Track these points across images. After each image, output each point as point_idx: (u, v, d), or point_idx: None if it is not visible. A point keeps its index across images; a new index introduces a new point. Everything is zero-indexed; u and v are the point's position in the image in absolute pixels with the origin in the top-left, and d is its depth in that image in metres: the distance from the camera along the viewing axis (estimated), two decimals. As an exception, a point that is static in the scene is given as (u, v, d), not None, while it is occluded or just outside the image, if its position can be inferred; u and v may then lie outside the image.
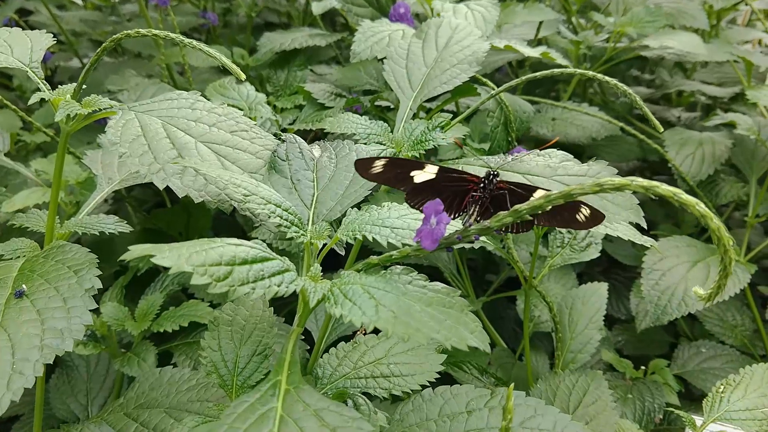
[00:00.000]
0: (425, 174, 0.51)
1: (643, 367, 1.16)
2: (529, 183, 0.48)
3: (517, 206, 0.43)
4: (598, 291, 0.99)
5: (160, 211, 1.13)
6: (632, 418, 1.05)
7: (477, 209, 0.48)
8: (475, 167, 0.73)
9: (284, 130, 1.03)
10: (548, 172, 0.71)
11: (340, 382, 0.62)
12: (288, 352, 0.47)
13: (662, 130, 0.81)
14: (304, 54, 1.27)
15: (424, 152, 0.79)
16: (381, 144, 0.80)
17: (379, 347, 0.65)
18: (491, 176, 0.48)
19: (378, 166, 0.51)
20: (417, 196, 0.51)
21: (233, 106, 1.02)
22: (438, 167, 0.51)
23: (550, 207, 0.47)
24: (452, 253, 1.15)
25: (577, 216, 0.49)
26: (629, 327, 1.36)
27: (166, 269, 1.19)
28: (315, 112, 1.04)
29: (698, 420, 0.88)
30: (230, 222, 1.33)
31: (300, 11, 1.63)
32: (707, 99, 1.62)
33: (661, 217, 1.57)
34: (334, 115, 0.87)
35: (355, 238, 0.51)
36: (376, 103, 1.12)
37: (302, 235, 0.51)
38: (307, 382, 0.54)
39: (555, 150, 0.75)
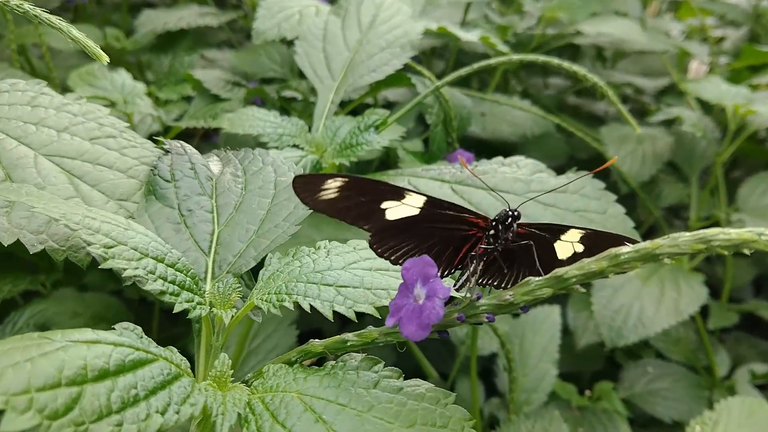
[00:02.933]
0: (404, 207, 0.33)
1: (588, 392, 1.03)
2: (555, 224, 0.32)
3: (559, 271, 0.26)
4: (550, 316, 0.85)
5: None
6: (586, 458, 0.92)
7: (481, 267, 0.31)
8: (426, 179, 0.57)
9: (168, 129, 0.83)
10: (520, 188, 0.55)
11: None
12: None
13: (638, 129, 0.68)
14: (192, 36, 1.07)
15: (355, 160, 0.61)
16: (297, 147, 0.63)
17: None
18: (509, 218, 0.31)
19: (331, 189, 0.33)
20: (389, 239, 0.33)
21: (104, 98, 0.81)
22: (425, 198, 0.34)
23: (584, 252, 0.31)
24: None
25: None
26: (564, 341, 1.23)
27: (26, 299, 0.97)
28: (207, 106, 0.85)
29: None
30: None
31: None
32: (633, 92, 1.52)
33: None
34: (234, 110, 0.68)
35: (281, 305, 0.33)
36: (282, 94, 0.93)
37: (199, 304, 0.33)
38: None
39: (521, 158, 0.59)
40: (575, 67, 0.64)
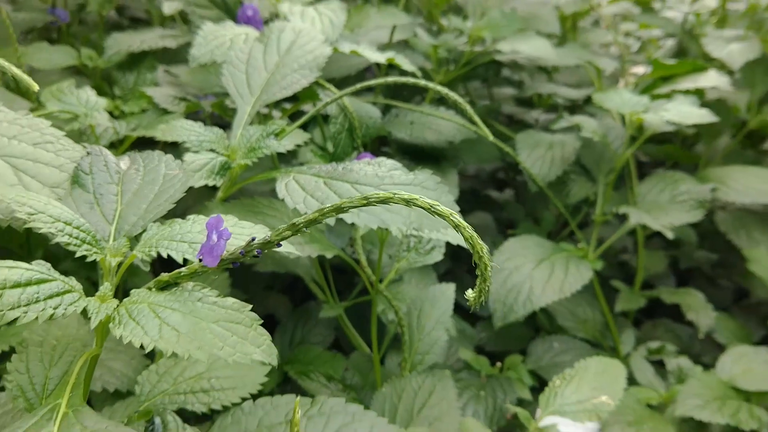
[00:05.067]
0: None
1: (499, 364, 1.19)
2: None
3: (295, 220, 0.42)
4: (446, 293, 1.01)
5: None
6: (484, 416, 1.08)
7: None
8: (307, 175, 0.73)
9: (122, 139, 0.99)
10: (376, 181, 0.71)
11: (157, 399, 0.60)
12: (73, 374, 0.45)
13: (491, 137, 0.84)
14: (153, 55, 1.23)
15: (257, 160, 0.78)
16: (213, 152, 0.79)
17: (201, 362, 0.64)
18: None
19: None
20: None
21: (69, 112, 0.97)
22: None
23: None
24: (313, 259, 1.13)
25: None
26: (491, 324, 1.39)
27: None
28: (158, 117, 1.01)
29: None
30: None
31: (159, 9, 1.58)
32: (565, 101, 1.68)
33: (521, 216, 1.62)
34: (168, 122, 0.84)
35: (150, 255, 0.49)
36: (232, 107, 1.10)
37: (95, 252, 0.49)
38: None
39: (385, 159, 0.75)
40: (431, 85, 0.80)
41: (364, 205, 0.40)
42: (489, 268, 0.40)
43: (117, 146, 1.02)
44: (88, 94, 1.02)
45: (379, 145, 1.57)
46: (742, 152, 1.66)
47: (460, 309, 1.41)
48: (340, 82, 1.35)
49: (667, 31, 2.02)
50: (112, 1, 1.46)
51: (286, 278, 1.41)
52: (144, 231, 0.54)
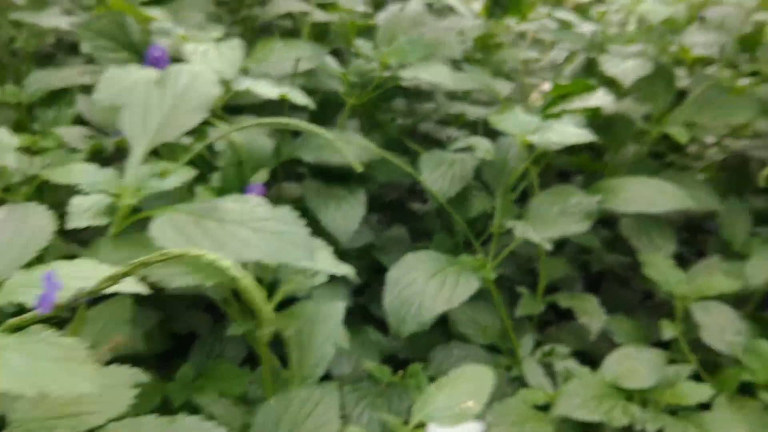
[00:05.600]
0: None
1: (401, 372, 1.28)
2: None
3: (113, 273, 0.51)
4: (336, 310, 1.10)
5: None
6: (377, 422, 1.17)
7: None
8: (180, 214, 0.82)
9: (34, 178, 1.07)
10: (240, 218, 0.80)
11: (31, 425, 0.69)
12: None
13: (360, 168, 0.93)
14: (73, 91, 1.31)
15: (139, 199, 0.86)
16: (103, 192, 0.87)
17: (79, 387, 0.72)
18: None
19: None
20: None
21: (-19, 153, 1.05)
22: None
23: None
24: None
25: None
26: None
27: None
28: (66, 156, 1.09)
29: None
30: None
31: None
32: (477, 118, 1.78)
33: (438, 228, 1.72)
34: (69, 163, 0.93)
35: (10, 301, 0.58)
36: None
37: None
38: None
39: (252, 196, 0.84)
40: (302, 125, 0.89)
41: (162, 261, 0.49)
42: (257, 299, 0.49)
43: (31, 182, 1.10)
44: (2, 135, 1.09)
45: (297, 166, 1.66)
46: (651, 161, 1.78)
47: (375, 320, 1.51)
48: (259, 107, 1.44)
49: (581, 46, 2.12)
50: (39, 38, 1.54)
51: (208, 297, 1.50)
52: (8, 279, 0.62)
